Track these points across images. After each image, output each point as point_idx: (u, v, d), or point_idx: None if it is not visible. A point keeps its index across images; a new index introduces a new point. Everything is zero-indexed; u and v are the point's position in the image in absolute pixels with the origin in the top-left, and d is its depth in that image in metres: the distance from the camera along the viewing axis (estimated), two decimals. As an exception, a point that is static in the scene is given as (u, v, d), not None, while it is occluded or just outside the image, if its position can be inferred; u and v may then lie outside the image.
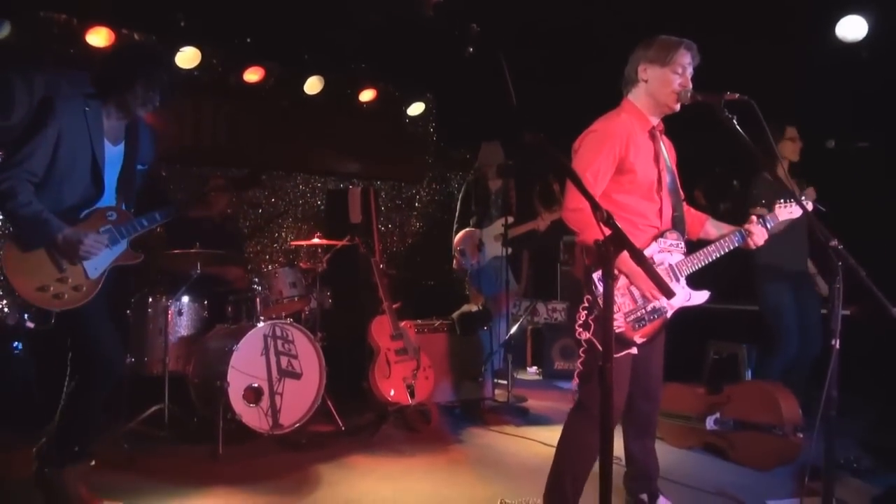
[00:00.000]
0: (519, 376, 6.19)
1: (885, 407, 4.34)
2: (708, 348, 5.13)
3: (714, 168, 5.57)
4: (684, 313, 2.89)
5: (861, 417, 4.54)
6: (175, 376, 4.25)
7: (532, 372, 6.65)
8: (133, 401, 4.10)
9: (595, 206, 1.52)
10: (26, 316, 2.86)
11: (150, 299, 4.38)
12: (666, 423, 4.07)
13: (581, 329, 2.49)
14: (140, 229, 2.96)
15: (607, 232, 1.50)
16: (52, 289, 2.74)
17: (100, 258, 2.85)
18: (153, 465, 3.65)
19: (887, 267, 3.43)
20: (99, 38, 5.08)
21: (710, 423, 3.91)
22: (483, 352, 5.17)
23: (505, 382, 5.15)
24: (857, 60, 4.52)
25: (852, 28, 4.37)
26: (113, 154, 2.90)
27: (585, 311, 2.50)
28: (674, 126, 2.86)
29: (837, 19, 4.37)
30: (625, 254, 2.41)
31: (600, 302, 2.39)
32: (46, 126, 2.73)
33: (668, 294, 1.57)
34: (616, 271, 2.60)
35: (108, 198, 2.91)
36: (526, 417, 4.84)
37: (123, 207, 2.96)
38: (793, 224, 3.89)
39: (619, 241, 1.49)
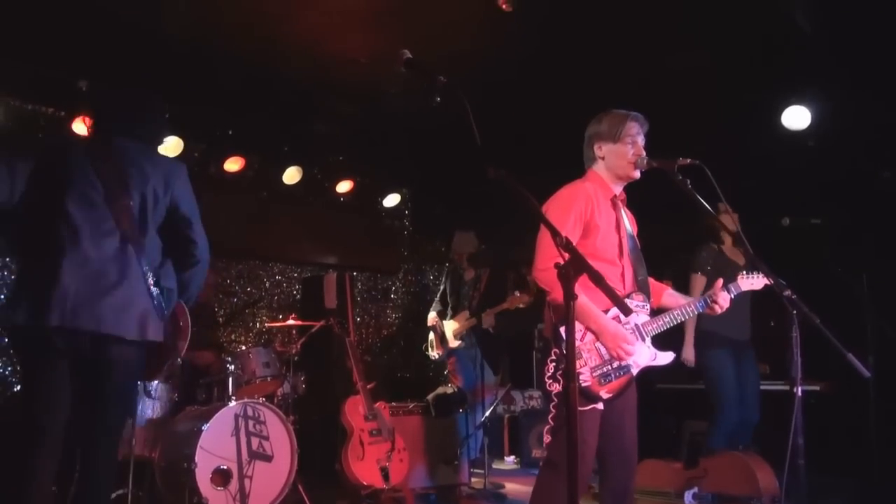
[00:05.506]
0: (496, 466, 6.05)
1: (862, 482, 4.32)
2: (684, 428, 5.11)
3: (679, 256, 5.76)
4: (661, 394, 2.92)
5: (839, 495, 4.50)
6: (141, 461, 4.11)
7: (510, 462, 6.51)
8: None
9: (554, 233, 1.61)
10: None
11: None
12: (645, 501, 4.00)
13: (550, 381, 2.53)
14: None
15: (566, 256, 1.58)
16: None
17: None
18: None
19: (841, 332, 3.54)
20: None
21: (688, 497, 3.86)
22: (459, 434, 5.09)
23: (482, 471, 5.04)
24: (805, 147, 4.85)
25: (796, 118, 4.70)
26: None
27: (554, 364, 2.54)
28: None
29: (783, 109, 4.71)
30: (594, 312, 2.50)
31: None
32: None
33: (626, 311, 1.64)
34: (585, 328, 2.68)
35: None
36: (503, 502, 4.72)
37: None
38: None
39: (578, 264, 1.57)
